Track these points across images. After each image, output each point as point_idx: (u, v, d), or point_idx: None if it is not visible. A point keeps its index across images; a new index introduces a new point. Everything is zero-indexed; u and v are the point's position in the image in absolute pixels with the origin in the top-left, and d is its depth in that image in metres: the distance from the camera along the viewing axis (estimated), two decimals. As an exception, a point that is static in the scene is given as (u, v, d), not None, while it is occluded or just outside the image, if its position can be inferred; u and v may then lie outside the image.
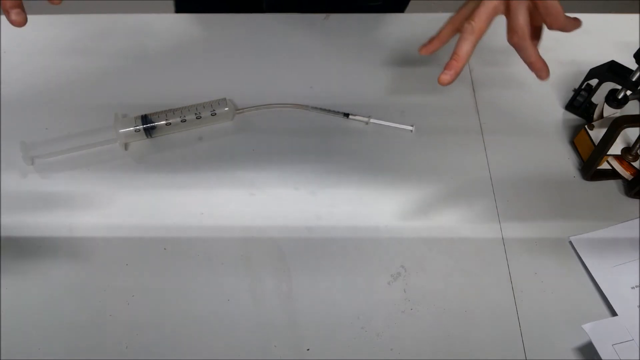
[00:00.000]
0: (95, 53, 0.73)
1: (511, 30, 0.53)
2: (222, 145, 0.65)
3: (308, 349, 0.52)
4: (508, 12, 0.53)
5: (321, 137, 0.66)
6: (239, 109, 0.67)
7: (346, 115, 0.67)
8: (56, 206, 0.60)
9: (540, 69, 0.54)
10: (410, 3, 0.85)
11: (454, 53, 0.53)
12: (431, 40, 0.58)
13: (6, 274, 0.55)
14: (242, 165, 0.64)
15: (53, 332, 0.53)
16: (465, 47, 0.53)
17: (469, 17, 0.53)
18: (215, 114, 0.65)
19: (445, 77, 0.54)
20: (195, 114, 0.65)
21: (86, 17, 0.76)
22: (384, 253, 0.57)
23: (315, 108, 0.67)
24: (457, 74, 0.54)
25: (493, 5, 0.52)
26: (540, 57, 0.54)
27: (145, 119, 0.64)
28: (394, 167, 0.64)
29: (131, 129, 0.63)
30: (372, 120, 0.66)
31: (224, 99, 0.66)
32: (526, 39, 0.52)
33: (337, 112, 0.67)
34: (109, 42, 0.74)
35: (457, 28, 0.57)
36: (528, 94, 0.70)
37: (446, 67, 0.54)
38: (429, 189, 0.62)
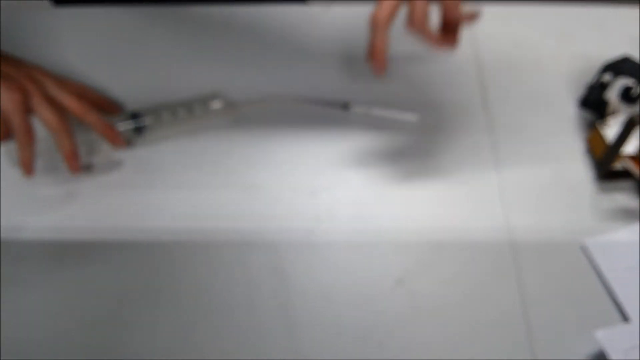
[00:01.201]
0: (78, 47, 0.73)
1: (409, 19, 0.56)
2: (215, 143, 0.65)
3: (306, 358, 0.52)
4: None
5: (320, 133, 0.66)
6: (233, 104, 0.67)
7: (345, 107, 0.67)
8: (42, 207, 0.61)
9: (446, 45, 0.58)
10: None
11: (372, 47, 0.56)
12: (375, 57, 0.58)
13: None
14: (237, 164, 0.64)
15: (45, 336, 0.53)
16: (379, 42, 0.56)
17: (376, 9, 0.56)
18: (208, 109, 0.65)
19: (379, 71, 0.57)
20: (187, 109, 0.65)
21: (66, 11, 0.77)
22: (386, 257, 0.58)
23: (313, 100, 0.67)
24: (385, 62, 0.56)
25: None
26: (440, 39, 0.57)
27: (134, 115, 0.64)
28: (397, 167, 0.64)
29: (120, 124, 0.63)
30: (371, 110, 0.66)
31: (217, 94, 0.66)
32: (424, 28, 0.56)
33: (335, 104, 0.67)
34: (94, 36, 0.74)
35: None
36: (540, 89, 0.70)
37: (373, 62, 0.57)
38: (433, 190, 0.62)
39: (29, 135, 0.58)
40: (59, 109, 0.59)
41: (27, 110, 0.57)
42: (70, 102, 0.60)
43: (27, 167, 0.59)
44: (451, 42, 0.59)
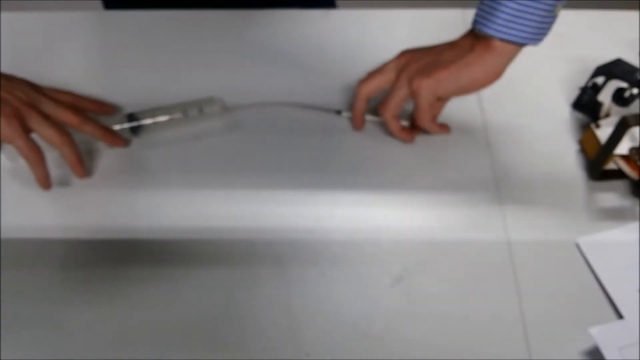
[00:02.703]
0: (77, 51, 0.75)
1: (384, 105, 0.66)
2: (212, 145, 0.67)
3: (307, 354, 0.54)
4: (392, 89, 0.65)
5: (317, 135, 0.68)
6: (228, 108, 0.69)
7: (338, 112, 0.70)
8: (39, 207, 0.62)
9: (403, 139, 0.68)
10: None
11: (352, 110, 0.68)
12: (354, 119, 0.69)
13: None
14: (234, 166, 0.66)
15: (44, 336, 0.55)
16: (358, 107, 0.67)
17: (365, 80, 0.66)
18: (204, 113, 0.68)
19: (357, 127, 0.69)
20: (183, 112, 0.67)
21: (60, 15, 0.79)
22: (385, 256, 0.60)
23: (307, 105, 0.70)
24: (362, 122, 0.68)
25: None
26: (401, 132, 0.67)
27: (130, 117, 0.66)
28: (394, 168, 0.66)
29: (117, 127, 0.66)
30: (366, 117, 0.69)
31: (213, 97, 0.68)
32: (391, 118, 0.66)
33: (328, 110, 0.70)
34: (91, 39, 0.77)
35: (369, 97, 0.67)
36: (534, 92, 0.73)
37: (353, 119, 0.68)
38: (431, 190, 0.64)
39: (37, 153, 0.60)
40: (57, 123, 0.61)
41: (27, 130, 0.59)
42: (66, 116, 0.62)
43: (44, 182, 0.62)
44: (407, 138, 0.68)
